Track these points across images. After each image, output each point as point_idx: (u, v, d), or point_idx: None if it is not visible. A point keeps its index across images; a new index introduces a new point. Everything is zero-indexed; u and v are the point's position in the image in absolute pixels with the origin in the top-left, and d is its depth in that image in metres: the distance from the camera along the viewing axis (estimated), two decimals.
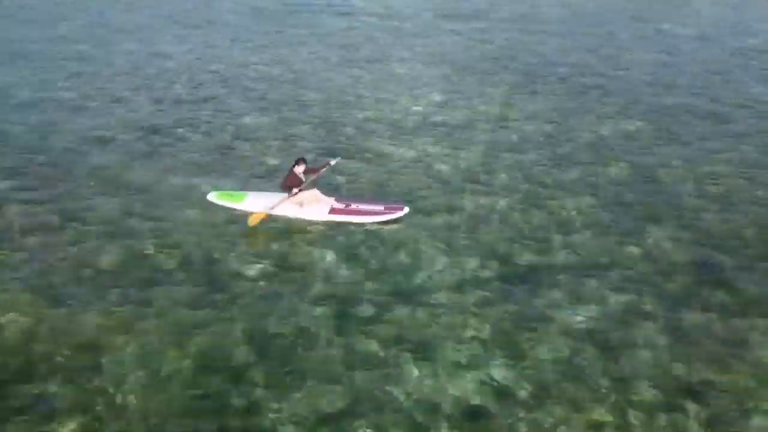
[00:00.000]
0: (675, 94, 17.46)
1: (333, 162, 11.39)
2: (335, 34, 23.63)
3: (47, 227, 10.24)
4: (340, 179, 12.20)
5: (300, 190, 10.84)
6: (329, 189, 11.46)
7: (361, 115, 15.49)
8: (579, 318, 8.39)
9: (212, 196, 11.27)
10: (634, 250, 10.07)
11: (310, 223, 10.69)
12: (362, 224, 10.61)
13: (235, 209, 10.96)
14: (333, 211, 10.91)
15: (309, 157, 11.97)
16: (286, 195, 10.79)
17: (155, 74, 18.43)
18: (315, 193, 11.00)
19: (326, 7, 27.89)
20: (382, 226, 10.53)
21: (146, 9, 26.64)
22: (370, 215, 10.73)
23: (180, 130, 14.43)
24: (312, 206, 10.94)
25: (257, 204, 10.89)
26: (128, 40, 22.00)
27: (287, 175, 10.88)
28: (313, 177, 10.99)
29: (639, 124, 15.35)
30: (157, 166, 12.62)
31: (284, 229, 10.50)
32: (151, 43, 21.73)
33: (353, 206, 10.93)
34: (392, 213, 10.74)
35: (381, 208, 10.86)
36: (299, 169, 10.84)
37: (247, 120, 15.14)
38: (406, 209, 10.91)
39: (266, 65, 19.52)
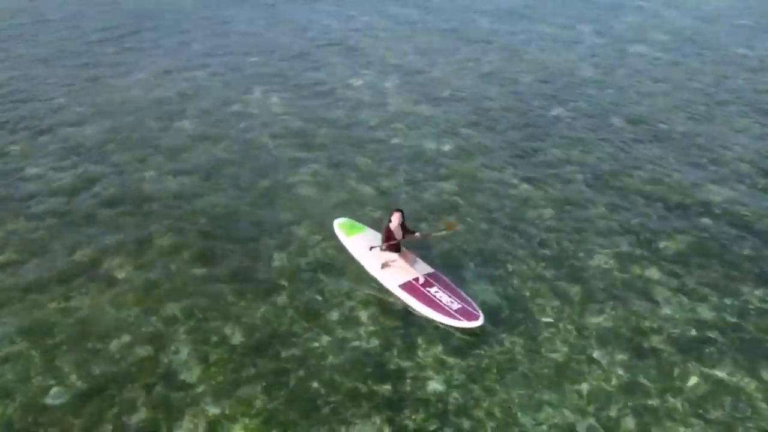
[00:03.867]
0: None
1: (417, 235, 10.19)
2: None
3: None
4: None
5: (388, 248, 10.05)
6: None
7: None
8: None
9: (336, 223, 11.39)
10: None
11: (380, 287, 10.04)
12: (426, 317, 9.42)
13: (340, 241, 11.06)
14: (406, 285, 9.75)
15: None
16: (379, 246, 10.15)
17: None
18: (401, 259, 10.02)
19: None
20: (447, 328, 9.23)
21: None
22: (439, 311, 9.28)
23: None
24: (392, 270, 10.05)
25: (357, 244, 10.66)
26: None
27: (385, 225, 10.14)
28: (414, 237, 10.11)
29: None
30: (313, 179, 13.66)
31: (354, 277, 10.34)
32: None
33: (434, 291, 9.63)
34: (462, 320, 9.10)
35: (457, 306, 9.31)
36: (393, 223, 9.99)
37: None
38: (481, 320, 9.09)
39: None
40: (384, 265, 10.08)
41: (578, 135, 16.16)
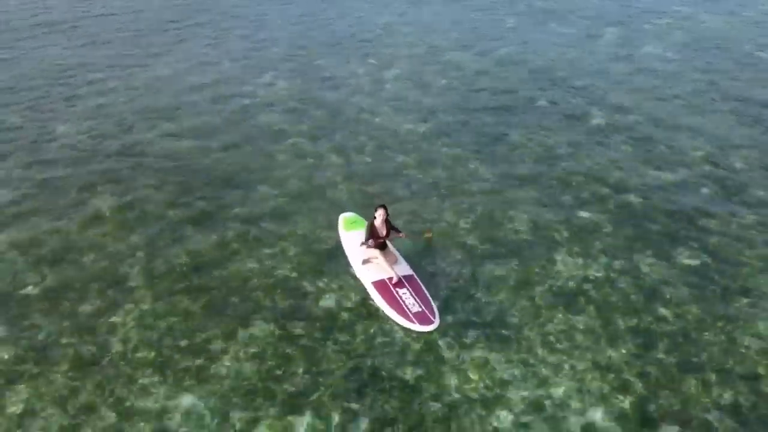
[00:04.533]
0: None
1: (402, 235, 10.85)
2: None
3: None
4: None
5: (372, 245, 10.52)
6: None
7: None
8: None
9: (342, 217, 12.06)
10: None
11: (356, 283, 10.69)
12: (388, 317, 9.90)
13: (338, 236, 11.75)
14: (379, 284, 10.27)
15: None
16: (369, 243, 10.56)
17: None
18: (382, 257, 10.46)
19: None
20: (403, 331, 9.74)
21: None
22: (399, 312, 9.73)
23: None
24: (371, 267, 10.59)
25: (352, 239, 11.27)
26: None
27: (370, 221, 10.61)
28: (399, 236, 10.76)
29: None
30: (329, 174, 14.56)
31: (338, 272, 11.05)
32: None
33: (402, 292, 10.11)
34: (416, 323, 9.56)
35: (417, 309, 9.75)
36: (377, 220, 10.47)
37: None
38: (436, 323, 9.58)
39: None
40: (365, 261, 10.67)
41: (549, 124, 17.43)
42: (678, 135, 16.78)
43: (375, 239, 10.53)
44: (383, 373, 9.04)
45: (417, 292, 10.13)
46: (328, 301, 10.40)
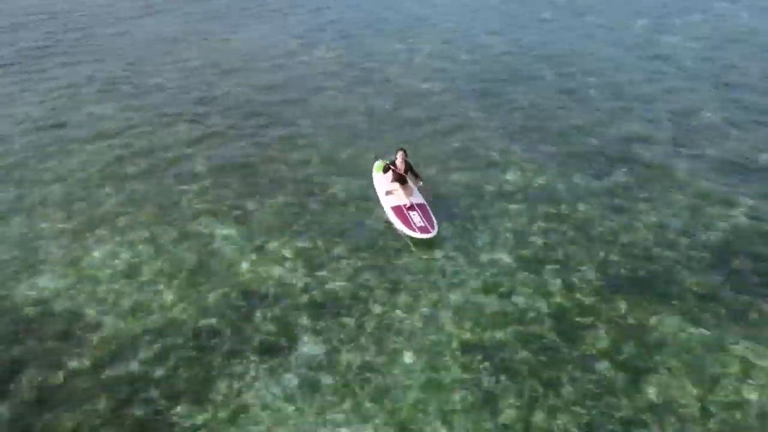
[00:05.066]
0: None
1: (420, 183, 13.54)
2: None
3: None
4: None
5: (393, 179, 13.37)
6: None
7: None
8: None
9: (375, 164, 14.72)
10: None
11: (379, 206, 13.61)
12: (400, 231, 12.70)
13: (372, 175, 14.66)
14: (396, 208, 12.99)
15: None
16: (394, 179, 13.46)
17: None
18: (401, 189, 13.22)
19: None
20: (410, 240, 12.53)
21: None
22: (407, 225, 12.48)
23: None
24: (392, 196, 13.35)
25: (380, 176, 14.08)
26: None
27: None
28: (418, 179, 13.47)
29: None
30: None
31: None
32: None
33: (413, 214, 12.80)
34: (417, 232, 12.29)
35: (421, 225, 12.47)
36: (398, 159, 13.36)
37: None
38: (434, 233, 12.29)
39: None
40: (388, 192, 13.54)
41: (548, 92, 20.86)
42: (657, 100, 19.87)
43: (394, 173, 13.68)
44: (363, 229, 13.12)
45: (424, 214, 12.95)
46: (335, 189, 14.64)
